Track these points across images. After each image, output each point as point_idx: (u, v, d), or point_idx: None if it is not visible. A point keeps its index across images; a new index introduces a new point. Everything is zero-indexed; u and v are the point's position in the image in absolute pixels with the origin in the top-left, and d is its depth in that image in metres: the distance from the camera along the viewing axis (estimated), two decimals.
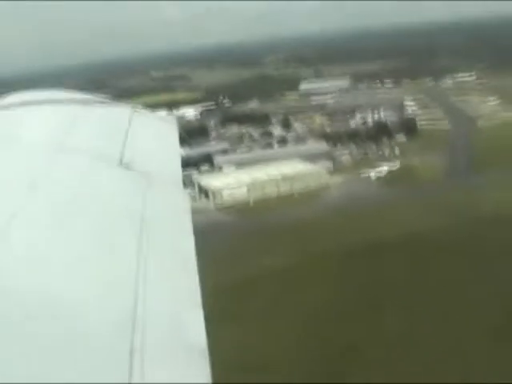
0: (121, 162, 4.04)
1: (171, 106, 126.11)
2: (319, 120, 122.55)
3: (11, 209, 3.09)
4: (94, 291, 2.72)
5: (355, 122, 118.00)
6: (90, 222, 3.25)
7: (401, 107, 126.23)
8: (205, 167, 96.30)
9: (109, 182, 3.80)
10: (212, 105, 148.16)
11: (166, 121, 6.52)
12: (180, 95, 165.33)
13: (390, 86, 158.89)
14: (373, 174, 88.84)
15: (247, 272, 51.63)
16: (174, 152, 4.94)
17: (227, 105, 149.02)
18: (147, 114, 5.70)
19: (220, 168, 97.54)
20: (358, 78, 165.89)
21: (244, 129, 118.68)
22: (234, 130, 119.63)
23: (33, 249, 2.87)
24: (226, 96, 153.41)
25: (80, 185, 3.66)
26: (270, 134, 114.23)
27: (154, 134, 5.35)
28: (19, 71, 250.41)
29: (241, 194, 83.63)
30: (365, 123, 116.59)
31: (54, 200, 3.41)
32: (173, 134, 5.45)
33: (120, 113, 5.39)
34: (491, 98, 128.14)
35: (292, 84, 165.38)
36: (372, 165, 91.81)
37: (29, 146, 4.17)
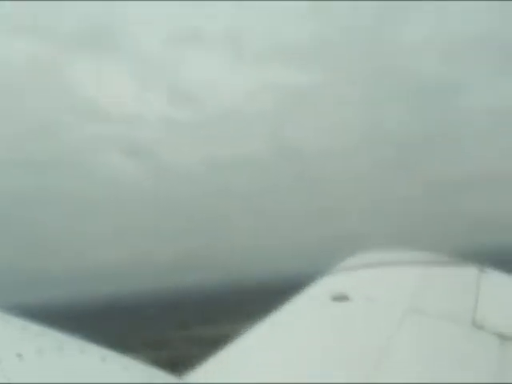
0: (473, 323, 4.02)
1: None
2: None
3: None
4: None
5: None
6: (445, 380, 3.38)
7: None
8: None
9: (462, 342, 3.89)
10: None
11: None
12: None
13: None
14: None
15: None
16: None
17: None
18: (497, 274, 5.53)
19: None
20: None
21: None
22: None
23: None
24: None
25: (434, 345, 3.84)
26: None
27: (508, 294, 5.20)
28: None
29: None
30: None
31: (409, 360, 3.60)
32: None
33: (467, 273, 5.41)
34: None
35: None
36: None
37: (379, 306, 4.41)
